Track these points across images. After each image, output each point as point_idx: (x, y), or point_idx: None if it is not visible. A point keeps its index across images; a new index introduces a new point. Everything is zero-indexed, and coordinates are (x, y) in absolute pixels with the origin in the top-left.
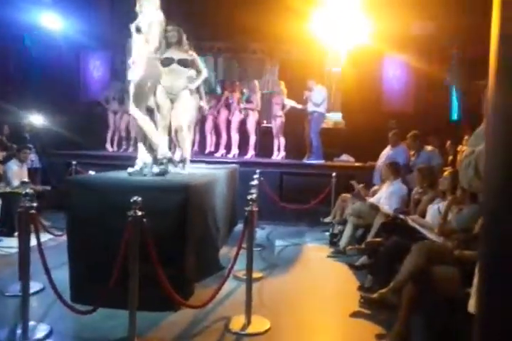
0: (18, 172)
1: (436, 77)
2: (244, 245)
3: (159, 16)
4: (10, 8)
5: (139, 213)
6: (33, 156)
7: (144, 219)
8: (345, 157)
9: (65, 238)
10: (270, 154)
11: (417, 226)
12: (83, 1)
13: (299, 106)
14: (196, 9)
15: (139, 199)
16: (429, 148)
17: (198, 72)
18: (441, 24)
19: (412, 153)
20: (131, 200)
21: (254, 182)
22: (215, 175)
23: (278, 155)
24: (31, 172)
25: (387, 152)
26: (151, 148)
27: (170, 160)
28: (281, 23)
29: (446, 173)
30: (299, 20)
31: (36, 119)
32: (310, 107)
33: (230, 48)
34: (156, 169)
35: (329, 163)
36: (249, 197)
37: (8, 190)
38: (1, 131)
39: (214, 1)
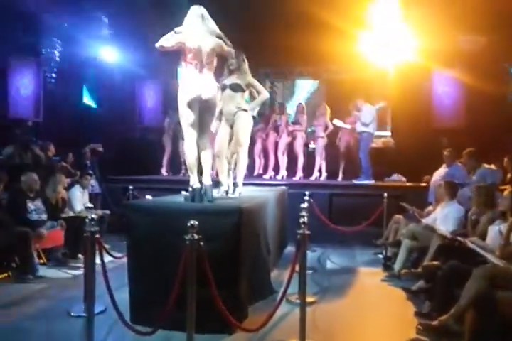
0: (80, 198)
1: (492, 92)
2: (296, 268)
3: None
4: (74, 43)
5: (196, 237)
6: (93, 182)
7: (201, 243)
8: (396, 177)
9: (124, 260)
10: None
11: (477, 249)
12: (138, 34)
13: (348, 127)
14: (244, 35)
15: (196, 223)
16: (486, 165)
17: (258, 93)
18: (492, 38)
19: (468, 171)
20: (189, 224)
21: (305, 205)
22: (266, 198)
23: (320, 177)
24: (92, 197)
25: (442, 171)
26: (201, 173)
27: (219, 185)
28: (326, 44)
29: (506, 193)
30: (345, 40)
31: (96, 146)
32: (359, 127)
33: (277, 71)
34: (208, 193)
35: (379, 183)
36: (300, 220)
37: (71, 214)
38: (65, 158)
39: (261, 26)
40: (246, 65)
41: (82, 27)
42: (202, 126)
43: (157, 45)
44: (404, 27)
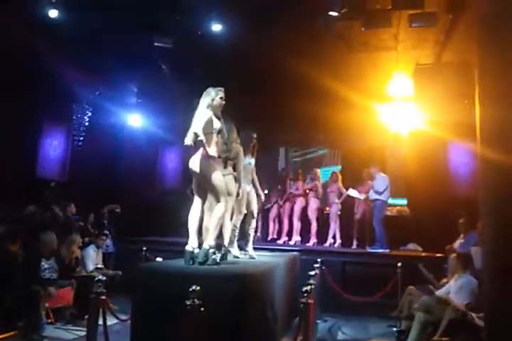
0: (94, 257)
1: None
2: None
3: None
4: (103, 110)
5: (197, 302)
6: (108, 242)
7: (202, 308)
8: (412, 246)
9: (129, 322)
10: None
11: None
12: (162, 101)
13: (362, 197)
14: (260, 105)
15: (197, 288)
16: None
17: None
18: None
19: None
20: (190, 289)
21: (313, 272)
22: (274, 263)
23: (334, 243)
24: (105, 256)
25: (458, 242)
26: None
27: (228, 249)
28: (342, 114)
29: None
30: (361, 111)
31: (113, 207)
32: (372, 195)
33: (295, 140)
34: (216, 257)
35: (395, 252)
36: (304, 288)
37: (83, 273)
38: (87, 218)
39: (278, 97)
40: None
41: (112, 95)
42: (206, 193)
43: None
44: (417, 99)
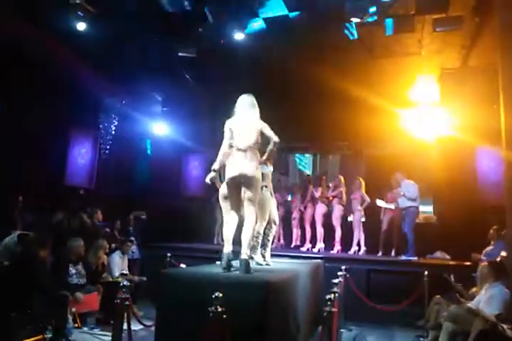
0: (120, 263)
1: None
2: None
3: None
4: (129, 119)
5: (220, 309)
6: (134, 248)
7: (224, 316)
8: (439, 254)
9: (153, 328)
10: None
11: None
12: (187, 110)
13: (392, 207)
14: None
15: (220, 295)
16: None
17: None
18: None
19: None
20: (213, 296)
21: (337, 280)
22: (298, 271)
23: (359, 251)
24: (131, 262)
25: (488, 249)
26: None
27: (251, 257)
28: (366, 120)
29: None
30: (385, 117)
31: (139, 214)
32: (404, 202)
33: (318, 146)
34: (239, 264)
35: (421, 260)
36: (327, 296)
37: (110, 279)
38: (113, 225)
39: (302, 103)
40: None
41: (137, 104)
42: (244, 201)
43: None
44: (443, 103)
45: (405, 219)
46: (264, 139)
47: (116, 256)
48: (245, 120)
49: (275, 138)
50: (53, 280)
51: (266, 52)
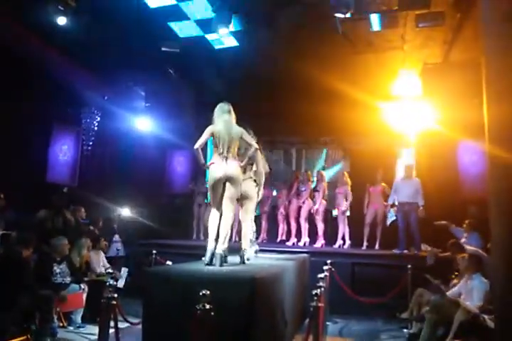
0: (97, 260)
1: None
2: None
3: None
4: (111, 114)
5: (208, 306)
6: (119, 245)
7: (212, 313)
8: (422, 247)
9: (140, 326)
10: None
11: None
12: (171, 105)
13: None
14: (268, 106)
15: (207, 292)
16: None
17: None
18: None
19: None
20: (200, 293)
21: (323, 275)
22: (284, 266)
23: (344, 245)
24: (116, 260)
25: (463, 240)
26: (217, 240)
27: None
28: (349, 115)
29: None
30: (368, 111)
31: (124, 211)
32: (414, 198)
33: (301, 141)
34: (225, 260)
35: (405, 253)
36: (314, 291)
37: (93, 277)
38: (96, 223)
39: (286, 98)
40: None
41: (120, 100)
42: (225, 198)
43: (195, 147)
44: (425, 98)
45: (412, 216)
46: (241, 143)
47: (93, 253)
48: (226, 127)
49: (255, 145)
50: (37, 280)
51: (249, 47)
